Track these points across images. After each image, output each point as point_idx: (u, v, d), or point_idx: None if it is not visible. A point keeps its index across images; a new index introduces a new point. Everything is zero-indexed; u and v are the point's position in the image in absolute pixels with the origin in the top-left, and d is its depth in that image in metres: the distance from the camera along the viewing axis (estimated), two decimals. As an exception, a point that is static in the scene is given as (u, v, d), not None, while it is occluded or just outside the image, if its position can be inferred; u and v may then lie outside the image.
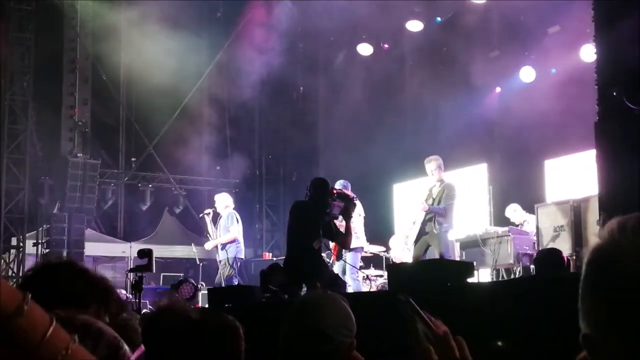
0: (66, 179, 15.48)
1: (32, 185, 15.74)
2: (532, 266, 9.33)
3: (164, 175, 17.31)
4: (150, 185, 17.69)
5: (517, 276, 9.78)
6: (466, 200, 11.39)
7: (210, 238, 11.92)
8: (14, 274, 15.02)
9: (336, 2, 14.04)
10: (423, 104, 14.44)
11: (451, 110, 13.54)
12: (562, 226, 9.30)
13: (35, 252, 15.19)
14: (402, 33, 14.90)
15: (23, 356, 1.10)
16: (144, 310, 9.27)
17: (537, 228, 9.73)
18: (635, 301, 1.07)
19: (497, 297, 5.28)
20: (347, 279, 9.79)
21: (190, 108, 17.00)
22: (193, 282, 11.24)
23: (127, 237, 16.43)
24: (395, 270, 7.23)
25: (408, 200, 12.89)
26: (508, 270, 10.19)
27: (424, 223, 9.64)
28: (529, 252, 9.86)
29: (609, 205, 6.52)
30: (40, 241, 15.35)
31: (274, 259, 14.09)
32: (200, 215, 12.62)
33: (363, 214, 10.70)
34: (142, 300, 8.92)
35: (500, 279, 9.98)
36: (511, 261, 9.85)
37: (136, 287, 8.49)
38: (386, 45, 15.63)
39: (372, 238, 11.32)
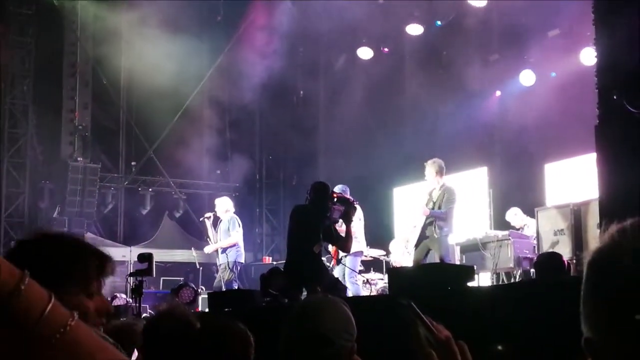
0: (66, 183, 15.48)
1: (32, 189, 15.74)
2: (532, 270, 9.32)
3: (164, 179, 17.30)
4: (150, 189, 17.67)
5: (517, 280, 9.77)
6: (466, 204, 11.39)
7: (210, 242, 11.92)
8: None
9: (336, 5, 14.05)
10: (423, 108, 14.43)
11: (451, 113, 13.54)
12: (562, 230, 9.29)
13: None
14: (402, 37, 14.92)
15: (22, 333, 1.09)
16: (144, 315, 9.27)
17: (538, 232, 9.72)
18: (636, 302, 1.07)
19: (498, 301, 5.27)
20: (347, 282, 9.78)
21: (191, 112, 17.00)
22: (193, 286, 11.23)
23: (127, 241, 16.41)
24: (395, 274, 7.23)
25: (408, 203, 12.89)
26: (508, 274, 10.18)
27: (424, 227, 9.64)
28: (529, 255, 9.85)
29: (609, 208, 6.51)
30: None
31: (274, 263, 14.10)
32: (201, 219, 12.62)
33: (362, 219, 10.69)
34: (142, 305, 8.90)
35: (500, 282, 9.98)
36: (511, 265, 9.84)
37: (136, 292, 8.48)
38: (386, 49, 15.64)
39: (372, 242, 11.31)
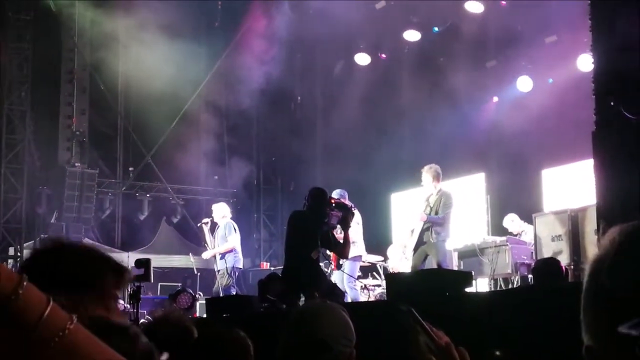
0: (64, 188, 15.47)
1: (30, 194, 15.71)
2: (530, 276, 9.33)
3: (162, 184, 17.29)
4: (148, 195, 17.66)
5: (515, 286, 9.77)
6: (464, 209, 11.39)
7: (208, 248, 11.92)
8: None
9: (334, 11, 14.07)
10: (420, 113, 14.45)
11: (449, 119, 13.55)
12: (560, 236, 9.29)
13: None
14: (399, 43, 14.94)
15: (20, 337, 1.11)
16: (142, 321, 9.25)
17: (535, 237, 9.73)
18: (635, 310, 1.07)
19: (495, 306, 5.28)
20: (345, 288, 9.77)
21: (189, 117, 17.00)
22: (191, 291, 11.22)
23: (125, 247, 16.39)
24: (393, 279, 7.23)
25: (406, 209, 12.89)
26: (506, 280, 10.18)
27: (421, 232, 9.64)
28: (526, 261, 9.85)
29: (607, 214, 6.52)
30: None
31: (272, 268, 14.07)
32: (198, 225, 12.63)
33: (361, 223, 10.69)
34: (139, 310, 8.89)
35: (498, 288, 9.98)
36: (509, 271, 9.84)
37: (134, 297, 8.47)
38: (384, 55, 15.67)
39: (370, 247, 11.31)
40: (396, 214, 15.10)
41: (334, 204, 8.17)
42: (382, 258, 11.77)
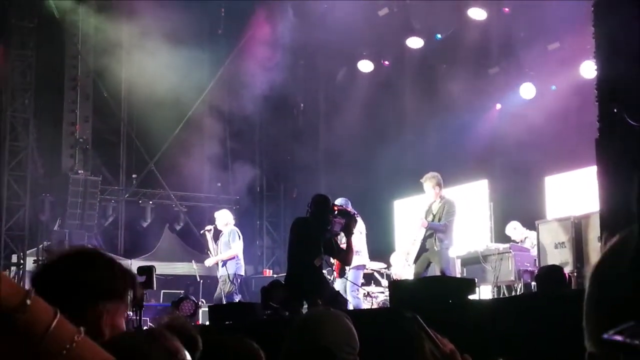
0: (67, 195, 15.48)
1: (33, 202, 15.71)
2: (533, 283, 9.32)
3: (165, 191, 17.30)
4: (150, 202, 17.66)
5: (518, 293, 9.75)
6: (467, 216, 11.38)
7: (211, 255, 11.92)
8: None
9: (337, 19, 14.10)
10: (423, 120, 14.46)
11: (451, 126, 13.56)
12: (563, 243, 9.28)
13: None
14: (402, 50, 14.96)
15: (28, 350, 1.12)
16: (145, 328, 9.24)
17: (538, 244, 9.71)
18: (636, 316, 1.06)
19: (499, 314, 5.27)
20: (348, 296, 9.76)
21: (192, 124, 17.01)
22: (194, 299, 11.20)
23: (128, 254, 16.38)
24: (396, 287, 7.22)
25: (409, 216, 12.88)
26: (509, 287, 10.16)
27: (424, 240, 9.63)
28: (530, 268, 9.84)
29: (610, 221, 6.51)
30: (40, 258, 15.31)
31: (275, 275, 14.06)
32: (201, 232, 12.63)
33: (364, 232, 10.67)
34: (142, 318, 8.88)
35: (501, 295, 9.96)
36: (512, 278, 9.83)
37: (137, 304, 8.46)
38: (387, 62, 15.69)
39: (372, 254, 11.29)
40: (399, 221, 15.09)
41: (336, 211, 8.16)
42: (385, 265, 11.76)
